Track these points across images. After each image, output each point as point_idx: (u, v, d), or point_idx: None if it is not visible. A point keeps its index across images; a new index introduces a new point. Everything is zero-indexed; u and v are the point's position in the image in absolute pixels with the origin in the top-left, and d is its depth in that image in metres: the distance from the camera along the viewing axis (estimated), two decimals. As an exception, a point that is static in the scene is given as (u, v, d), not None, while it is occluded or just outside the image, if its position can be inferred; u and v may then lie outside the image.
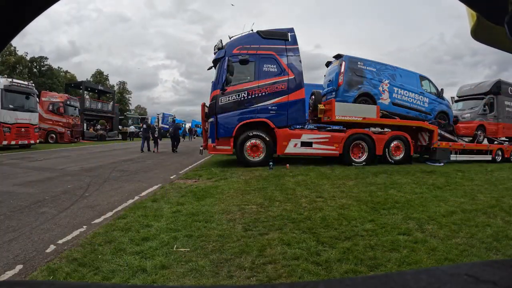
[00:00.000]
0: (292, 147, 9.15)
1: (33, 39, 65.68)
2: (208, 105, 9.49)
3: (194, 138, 35.69)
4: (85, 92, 31.60)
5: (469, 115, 12.52)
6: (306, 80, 9.75)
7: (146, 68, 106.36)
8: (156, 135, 16.01)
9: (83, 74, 66.52)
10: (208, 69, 10.54)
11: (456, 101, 14.44)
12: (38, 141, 17.17)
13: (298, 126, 9.70)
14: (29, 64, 44.89)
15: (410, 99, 10.73)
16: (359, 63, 10.02)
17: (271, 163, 8.45)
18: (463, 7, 0.49)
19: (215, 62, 9.38)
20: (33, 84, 17.48)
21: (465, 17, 0.55)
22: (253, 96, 8.87)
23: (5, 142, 14.59)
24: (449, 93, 21.95)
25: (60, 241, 3.32)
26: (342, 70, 9.76)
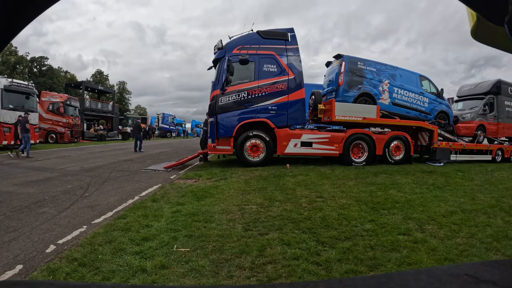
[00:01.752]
0: (292, 147, 9.15)
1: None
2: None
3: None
4: (85, 92, 31.59)
5: (469, 115, 12.51)
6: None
7: (143, 75, 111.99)
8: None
9: (83, 75, 67.74)
10: (208, 69, 10.54)
11: (456, 101, 14.43)
12: (38, 141, 17.17)
13: (298, 126, 9.70)
14: (30, 64, 44.91)
15: (410, 99, 10.73)
16: (359, 63, 10.02)
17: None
18: (463, 7, 0.49)
19: (215, 62, 9.37)
20: (33, 84, 17.48)
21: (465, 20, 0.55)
22: (253, 96, 8.86)
23: (5, 142, 14.60)
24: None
25: (60, 241, 3.32)
26: (342, 70, 9.76)
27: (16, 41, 43.78)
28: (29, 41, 61.30)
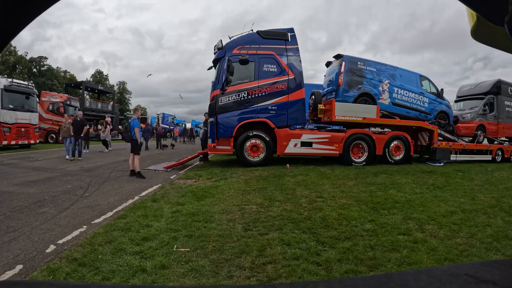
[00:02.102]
0: (292, 147, 9.15)
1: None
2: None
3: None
4: (85, 92, 31.57)
5: (469, 115, 12.52)
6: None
7: (142, 76, 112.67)
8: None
9: (83, 76, 68.13)
10: (208, 69, 10.55)
11: (456, 101, 14.45)
12: (38, 141, 17.15)
13: (298, 126, 9.70)
14: (29, 64, 44.86)
15: (410, 99, 10.73)
16: (359, 63, 10.02)
17: None
18: (463, 7, 0.49)
19: (215, 62, 9.37)
20: (33, 84, 17.47)
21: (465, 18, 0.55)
22: (253, 96, 8.86)
23: (5, 142, 14.58)
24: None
25: (60, 241, 3.32)
26: (342, 70, 9.76)
27: (20, 45, 43.92)
28: (34, 44, 61.80)
